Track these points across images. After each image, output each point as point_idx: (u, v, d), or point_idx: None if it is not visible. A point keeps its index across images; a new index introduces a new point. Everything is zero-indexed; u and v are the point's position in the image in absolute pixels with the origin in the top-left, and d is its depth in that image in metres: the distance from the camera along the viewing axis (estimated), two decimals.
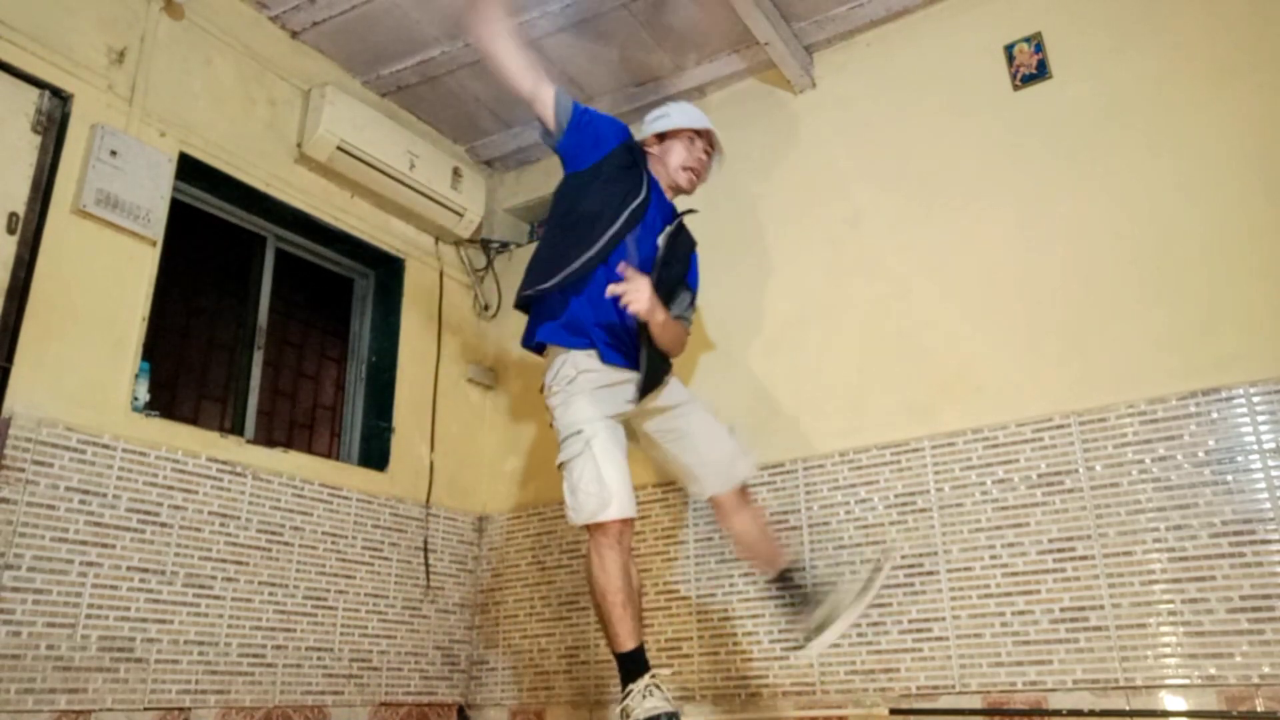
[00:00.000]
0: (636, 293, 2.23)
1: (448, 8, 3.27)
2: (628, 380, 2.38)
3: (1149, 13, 2.86)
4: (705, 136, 2.60)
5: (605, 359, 2.36)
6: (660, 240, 2.46)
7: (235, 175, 3.14)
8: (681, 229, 2.58)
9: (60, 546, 2.45)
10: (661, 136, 2.60)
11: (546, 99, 2.42)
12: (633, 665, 2.14)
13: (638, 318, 2.29)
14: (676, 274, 2.52)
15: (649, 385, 2.39)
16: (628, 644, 2.15)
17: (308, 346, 3.65)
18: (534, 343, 2.48)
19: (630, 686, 2.12)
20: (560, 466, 2.30)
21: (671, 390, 2.53)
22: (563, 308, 2.39)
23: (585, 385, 2.32)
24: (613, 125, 2.51)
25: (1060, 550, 2.57)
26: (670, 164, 2.56)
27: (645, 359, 2.36)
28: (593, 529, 2.21)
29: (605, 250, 2.33)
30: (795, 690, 2.85)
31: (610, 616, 2.16)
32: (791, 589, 2.55)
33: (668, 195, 2.59)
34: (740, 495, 2.55)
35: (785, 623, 2.75)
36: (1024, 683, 2.53)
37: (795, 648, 2.38)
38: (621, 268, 2.27)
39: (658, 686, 2.11)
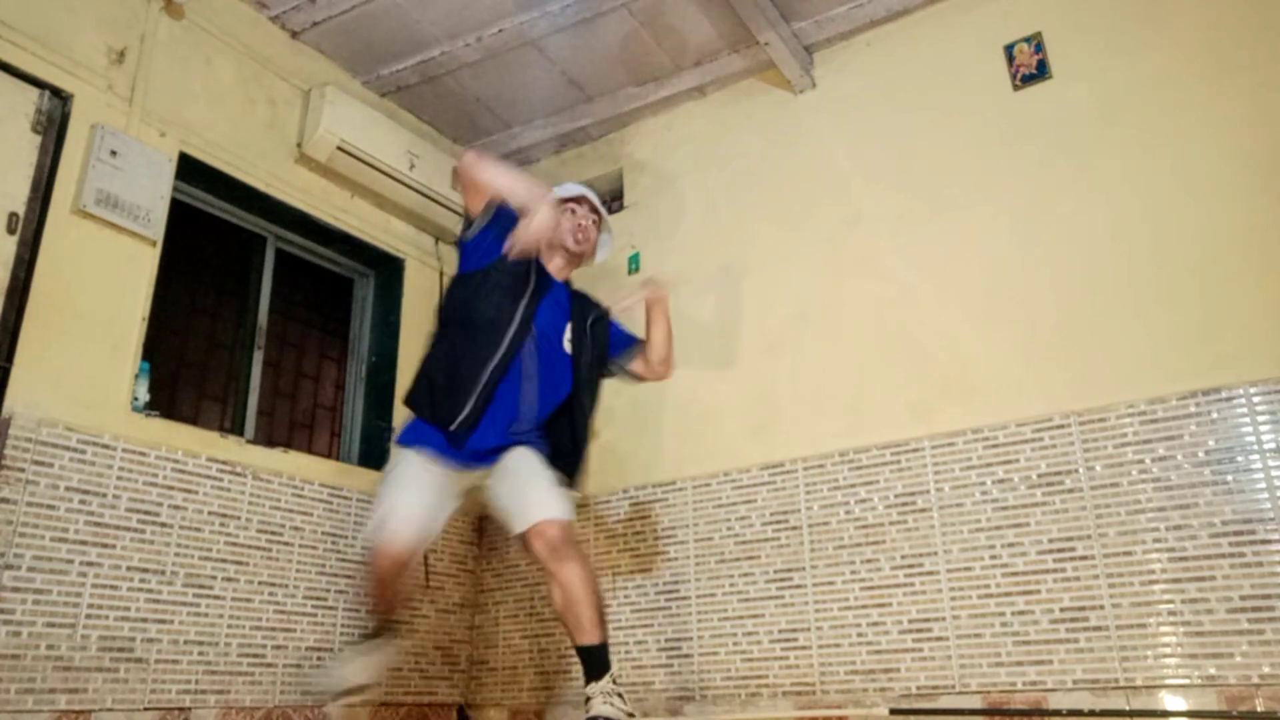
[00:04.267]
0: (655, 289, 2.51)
1: (448, 8, 3.27)
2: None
3: (1149, 13, 2.86)
4: (584, 204, 2.62)
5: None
6: (566, 345, 2.52)
7: (235, 175, 3.14)
8: (585, 317, 2.59)
9: (60, 546, 2.45)
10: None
11: (485, 198, 2.47)
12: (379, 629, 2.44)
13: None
14: (594, 356, 2.59)
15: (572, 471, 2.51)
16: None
17: (308, 346, 3.65)
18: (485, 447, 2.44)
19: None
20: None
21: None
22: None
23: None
24: (514, 226, 2.46)
25: (1060, 550, 2.57)
26: (558, 230, 2.55)
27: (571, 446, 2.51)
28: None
29: (506, 360, 2.38)
30: (795, 690, 2.85)
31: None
32: (586, 666, 2.29)
33: (559, 276, 2.59)
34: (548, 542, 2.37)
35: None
36: (1024, 683, 2.53)
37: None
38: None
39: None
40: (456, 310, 2.48)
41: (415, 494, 2.37)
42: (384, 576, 2.36)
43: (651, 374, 2.69)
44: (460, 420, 2.34)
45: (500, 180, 2.46)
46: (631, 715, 2.21)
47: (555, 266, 2.59)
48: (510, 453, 2.42)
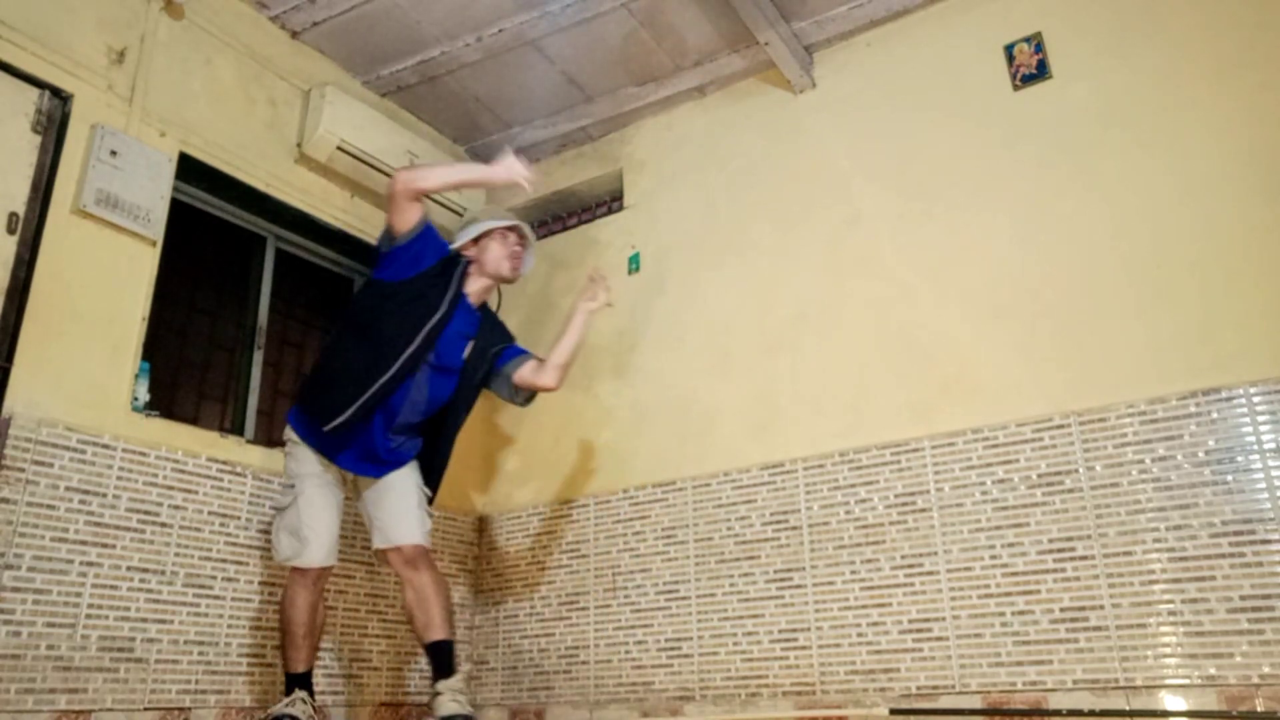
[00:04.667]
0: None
1: (448, 7, 3.27)
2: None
3: (1149, 13, 2.86)
4: (515, 230, 2.74)
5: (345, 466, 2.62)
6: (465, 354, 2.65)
7: (235, 175, 3.14)
8: (490, 343, 2.70)
9: (60, 546, 2.45)
10: (477, 240, 2.71)
11: (415, 215, 2.56)
12: (294, 683, 2.54)
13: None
14: (483, 374, 2.71)
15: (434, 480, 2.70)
16: (298, 668, 2.55)
17: (308, 346, 3.65)
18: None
19: (284, 698, 2.53)
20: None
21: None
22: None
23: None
24: (437, 245, 2.63)
25: (1060, 550, 2.57)
26: (489, 261, 2.68)
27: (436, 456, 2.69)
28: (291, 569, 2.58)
29: (395, 380, 2.49)
30: (795, 690, 2.85)
31: (287, 644, 2.56)
32: (436, 663, 2.51)
33: (474, 301, 2.69)
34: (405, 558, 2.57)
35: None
36: (1024, 683, 2.53)
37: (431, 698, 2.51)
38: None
39: (303, 700, 2.52)
40: (361, 315, 2.60)
41: (328, 512, 2.59)
42: (314, 602, 2.57)
43: (540, 380, 2.66)
44: (334, 425, 2.46)
45: (448, 174, 2.64)
46: (473, 711, 2.46)
47: (477, 289, 2.69)
48: (390, 473, 2.59)
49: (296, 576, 2.56)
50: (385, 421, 2.53)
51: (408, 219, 2.55)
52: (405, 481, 2.61)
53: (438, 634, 2.48)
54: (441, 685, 2.45)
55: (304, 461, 2.58)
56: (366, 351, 2.50)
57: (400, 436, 2.59)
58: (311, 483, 2.57)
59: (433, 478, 2.70)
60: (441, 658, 2.48)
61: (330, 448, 2.56)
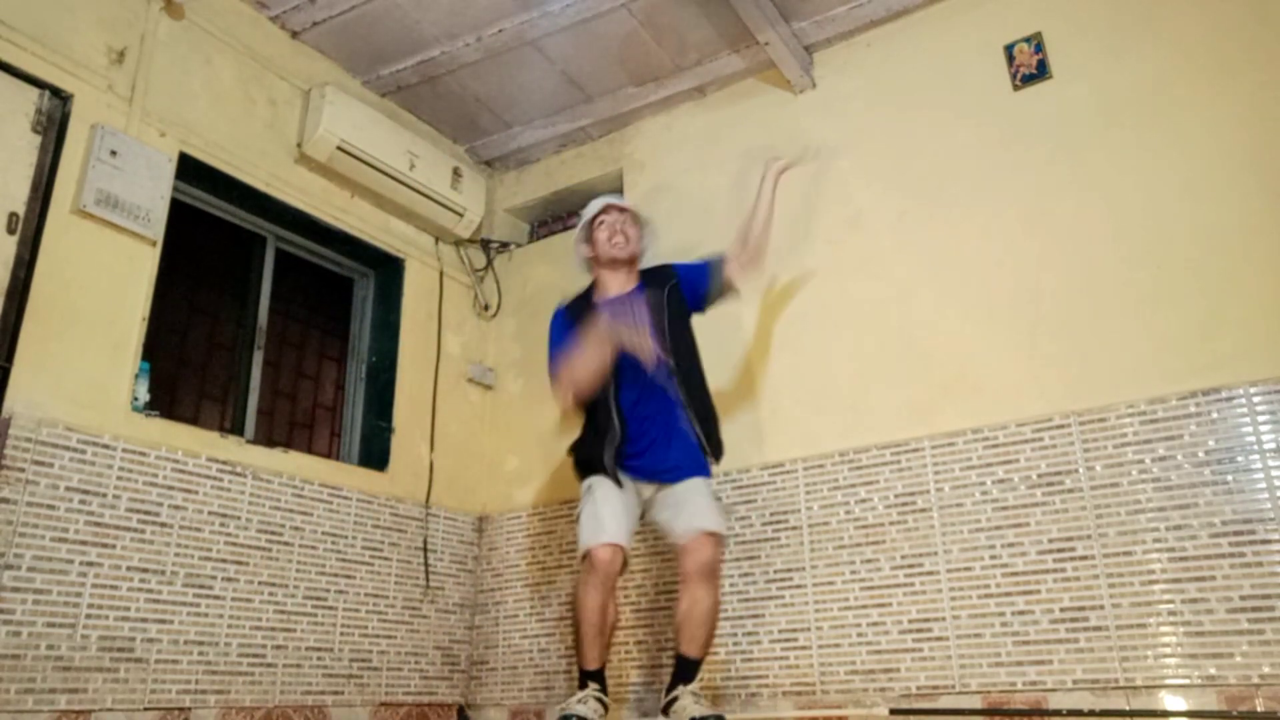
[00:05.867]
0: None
1: (448, 8, 3.28)
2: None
3: (1149, 13, 2.86)
4: (605, 211, 2.80)
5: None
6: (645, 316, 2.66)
7: (235, 175, 3.14)
8: (661, 302, 2.71)
9: (60, 546, 2.45)
10: (587, 239, 2.82)
11: (564, 393, 2.66)
12: (587, 678, 2.55)
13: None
14: (684, 325, 2.75)
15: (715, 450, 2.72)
16: (590, 665, 2.55)
17: (308, 346, 3.65)
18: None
19: (578, 692, 2.55)
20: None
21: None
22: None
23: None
24: (555, 325, 2.79)
25: (1060, 550, 2.57)
26: (601, 250, 2.77)
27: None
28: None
29: (622, 428, 2.62)
30: (795, 690, 2.85)
31: (579, 641, 2.57)
32: (681, 673, 2.54)
33: (619, 291, 2.75)
34: (689, 562, 2.56)
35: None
36: (1024, 683, 2.53)
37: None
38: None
39: (595, 696, 2.52)
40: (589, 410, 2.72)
41: (619, 504, 2.60)
42: (603, 603, 2.54)
43: (742, 270, 2.74)
44: (609, 466, 2.61)
45: (567, 376, 2.64)
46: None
47: (619, 281, 2.77)
48: (681, 484, 2.62)
49: (587, 574, 2.54)
50: (652, 454, 2.62)
51: (563, 398, 2.65)
52: (696, 486, 2.64)
53: (695, 652, 2.53)
54: (680, 690, 2.49)
55: (599, 485, 2.63)
56: (596, 424, 2.67)
57: (671, 463, 2.63)
58: (603, 488, 2.61)
59: (709, 439, 2.69)
60: (687, 669, 2.53)
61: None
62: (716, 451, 2.71)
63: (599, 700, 2.52)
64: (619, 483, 2.61)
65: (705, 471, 2.67)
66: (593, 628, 2.52)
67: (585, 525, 2.57)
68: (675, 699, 2.47)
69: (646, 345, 2.52)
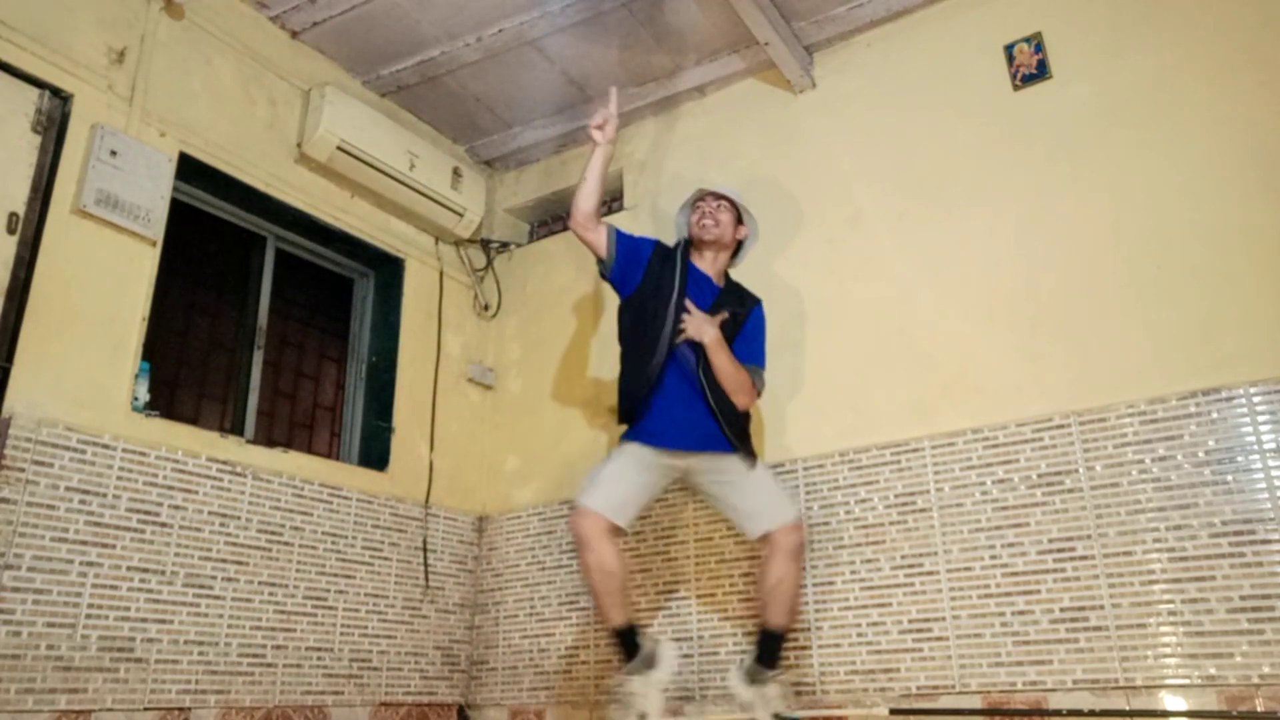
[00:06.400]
0: (694, 322, 2.60)
1: (448, 8, 3.28)
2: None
3: (1149, 13, 2.86)
4: (701, 198, 2.87)
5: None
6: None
7: (235, 175, 3.14)
8: (726, 306, 2.74)
9: (60, 546, 2.45)
10: (687, 220, 2.90)
11: (600, 238, 2.75)
12: (619, 637, 2.60)
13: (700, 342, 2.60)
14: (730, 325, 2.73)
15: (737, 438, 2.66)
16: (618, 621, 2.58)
17: (308, 346, 3.66)
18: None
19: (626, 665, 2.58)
20: None
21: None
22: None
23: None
24: (640, 245, 2.82)
25: (1060, 550, 2.57)
26: (692, 231, 2.85)
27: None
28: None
29: (661, 363, 2.63)
30: (795, 690, 2.85)
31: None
32: (761, 648, 2.60)
33: (709, 270, 2.81)
34: (774, 544, 2.59)
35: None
36: (1024, 683, 2.53)
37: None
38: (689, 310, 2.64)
39: (638, 674, 2.55)
40: (623, 337, 2.78)
41: (630, 476, 2.64)
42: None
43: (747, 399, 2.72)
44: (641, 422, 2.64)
45: (584, 183, 2.72)
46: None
47: (706, 262, 2.82)
48: (742, 468, 2.64)
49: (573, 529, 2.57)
50: (683, 409, 2.62)
51: (597, 242, 2.73)
52: (762, 474, 2.70)
53: (780, 621, 2.58)
54: (773, 677, 2.56)
55: (626, 454, 2.66)
56: (635, 359, 2.68)
57: (707, 429, 2.63)
58: (628, 457, 2.65)
59: (736, 431, 2.67)
60: (770, 645, 2.58)
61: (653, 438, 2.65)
62: (747, 450, 2.69)
63: (646, 663, 2.54)
64: (651, 444, 2.62)
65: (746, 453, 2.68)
66: (596, 584, 2.53)
67: (588, 480, 2.63)
68: (764, 677, 2.53)
69: (709, 327, 2.59)
